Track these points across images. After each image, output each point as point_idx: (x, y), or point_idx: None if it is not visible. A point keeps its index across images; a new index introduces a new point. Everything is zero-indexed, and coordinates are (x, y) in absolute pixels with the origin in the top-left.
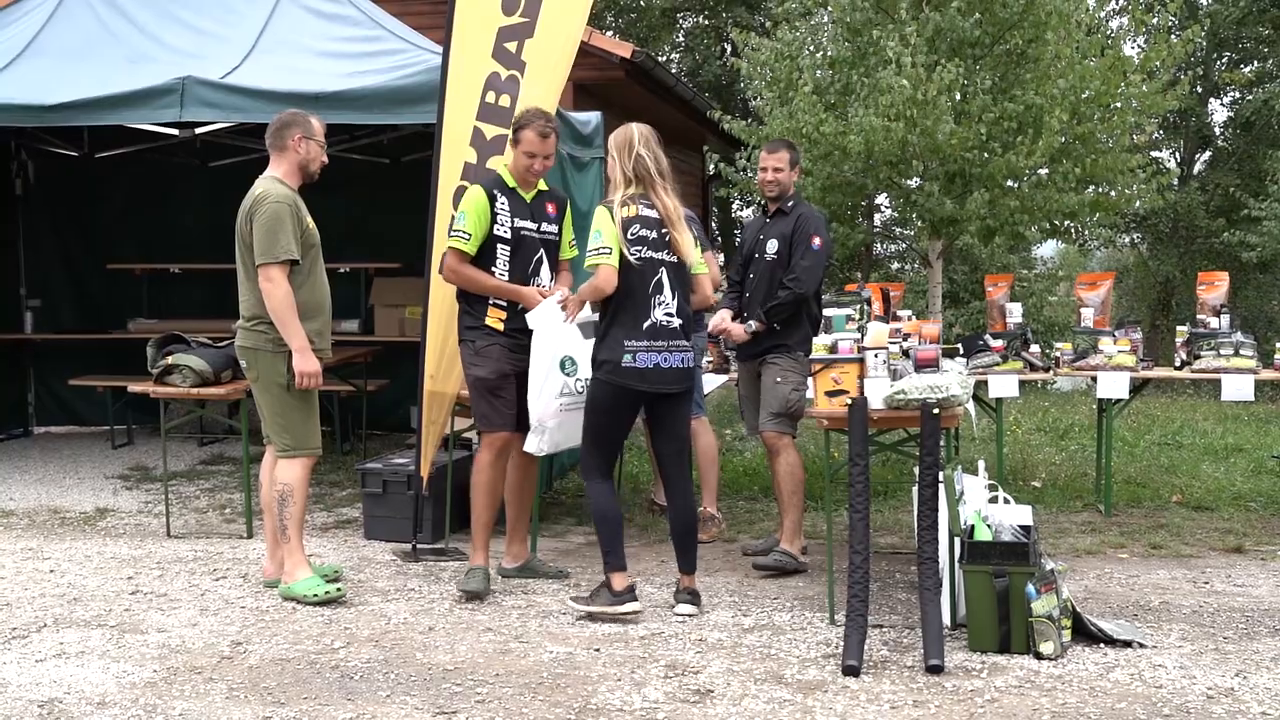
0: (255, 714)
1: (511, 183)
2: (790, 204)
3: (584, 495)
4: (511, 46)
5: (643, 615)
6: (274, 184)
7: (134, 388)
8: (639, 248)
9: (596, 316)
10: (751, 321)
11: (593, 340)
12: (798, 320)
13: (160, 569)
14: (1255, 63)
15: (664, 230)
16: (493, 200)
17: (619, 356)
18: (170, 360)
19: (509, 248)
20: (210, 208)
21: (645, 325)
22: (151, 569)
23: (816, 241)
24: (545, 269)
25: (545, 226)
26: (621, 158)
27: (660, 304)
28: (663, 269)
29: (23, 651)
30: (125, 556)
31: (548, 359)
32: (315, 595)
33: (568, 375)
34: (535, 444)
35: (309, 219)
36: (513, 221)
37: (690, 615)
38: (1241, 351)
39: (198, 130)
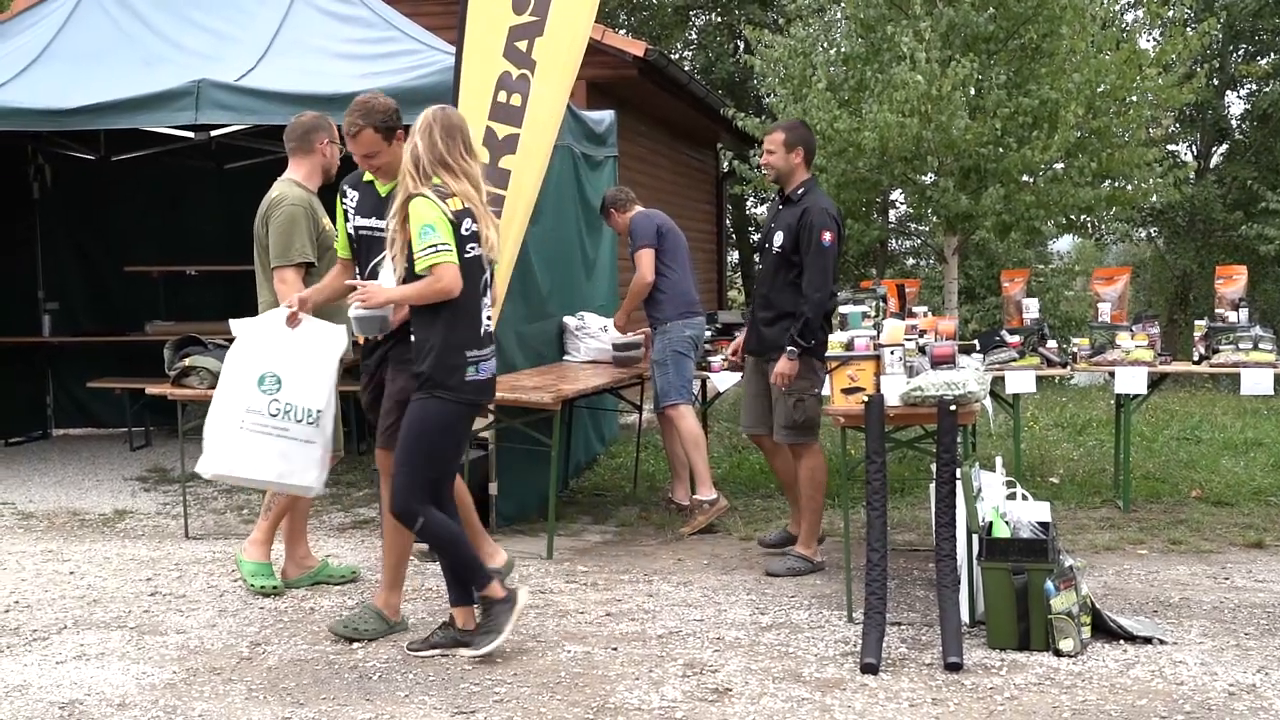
0: (274, 714)
1: (369, 175)
2: (800, 192)
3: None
4: (522, 45)
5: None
6: (291, 187)
7: (152, 390)
8: (472, 245)
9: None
10: (791, 349)
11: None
12: None
13: (179, 570)
14: (1272, 55)
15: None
16: (343, 197)
17: (462, 370)
18: (187, 362)
19: (355, 247)
20: (226, 210)
21: (482, 332)
22: (170, 570)
23: (827, 238)
24: (387, 271)
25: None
26: (412, 143)
27: (486, 306)
28: (488, 267)
29: (43, 653)
30: (144, 558)
31: (241, 369)
32: (255, 584)
33: (264, 393)
34: (200, 464)
35: (326, 220)
36: (355, 219)
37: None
38: (1260, 345)
39: (213, 133)
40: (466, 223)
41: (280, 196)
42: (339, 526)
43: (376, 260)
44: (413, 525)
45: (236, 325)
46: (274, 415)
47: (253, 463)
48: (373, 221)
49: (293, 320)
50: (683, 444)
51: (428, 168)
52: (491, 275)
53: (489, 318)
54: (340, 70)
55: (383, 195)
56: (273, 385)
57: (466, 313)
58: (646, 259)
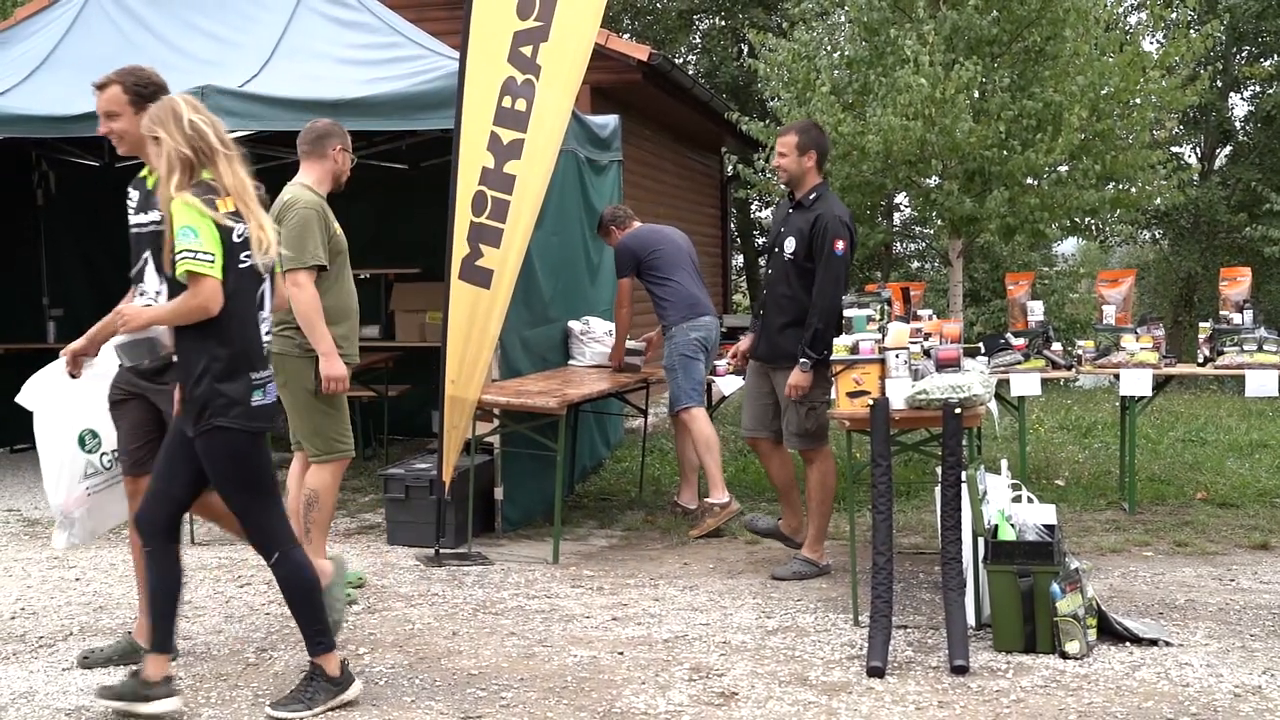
0: None
1: (144, 171)
2: (813, 197)
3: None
4: (527, 51)
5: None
6: (303, 191)
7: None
8: (247, 253)
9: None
10: (804, 361)
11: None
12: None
13: (184, 577)
14: (1275, 56)
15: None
16: (127, 199)
17: (249, 395)
18: None
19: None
20: None
21: (262, 351)
22: None
23: (839, 247)
24: (150, 273)
25: (151, 215)
26: (170, 132)
27: (263, 320)
28: (266, 275)
29: (50, 660)
30: None
31: (60, 440)
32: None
33: (90, 453)
34: (64, 540)
35: (336, 225)
36: (131, 218)
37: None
38: (1265, 347)
39: None
40: (239, 228)
41: (293, 199)
42: (345, 532)
43: (141, 261)
44: (268, 559)
45: (25, 397)
46: (108, 467)
47: (108, 516)
48: (140, 216)
49: (75, 369)
50: (695, 446)
51: (212, 148)
52: (272, 282)
53: (268, 332)
54: (345, 76)
55: (150, 188)
56: (94, 442)
57: (244, 330)
58: (621, 291)
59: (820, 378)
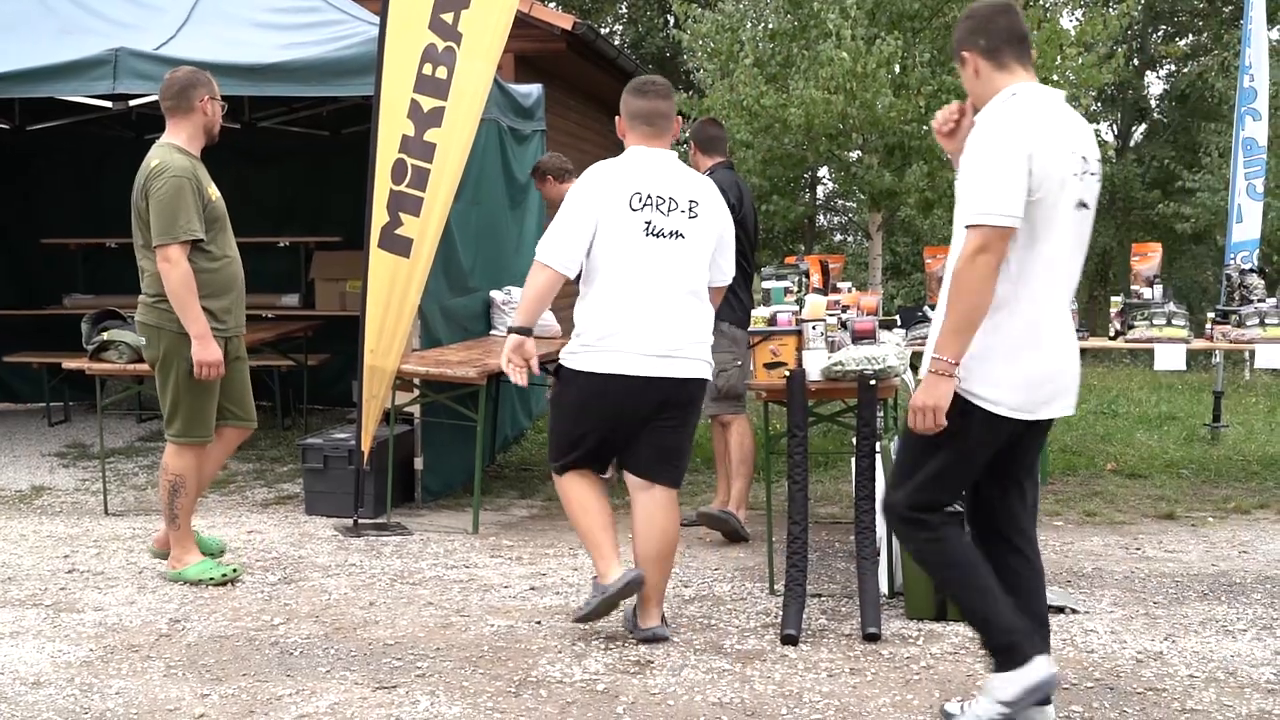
0: (193, 691)
1: None
2: None
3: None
4: (448, 18)
5: None
6: (171, 153)
7: (69, 364)
8: None
9: None
10: None
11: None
12: None
13: (97, 547)
14: (1190, 36)
15: None
16: None
17: None
18: (106, 336)
19: None
20: None
21: None
22: (89, 547)
23: None
24: None
25: None
26: None
27: None
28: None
29: None
30: (62, 535)
31: None
32: (212, 578)
33: None
34: None
35: (211, 188)
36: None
37: None
38: (1174, 321)
39: (132, 103)
40: None
41: (161, 166)
42: (262, 502)
43: None
44: None
45: None
46: None
47: None
48: None
49: None
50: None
51: None
52: None
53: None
54: (262, 40)
55: None
56: None
57: None
58: None
59: (731, 342)
